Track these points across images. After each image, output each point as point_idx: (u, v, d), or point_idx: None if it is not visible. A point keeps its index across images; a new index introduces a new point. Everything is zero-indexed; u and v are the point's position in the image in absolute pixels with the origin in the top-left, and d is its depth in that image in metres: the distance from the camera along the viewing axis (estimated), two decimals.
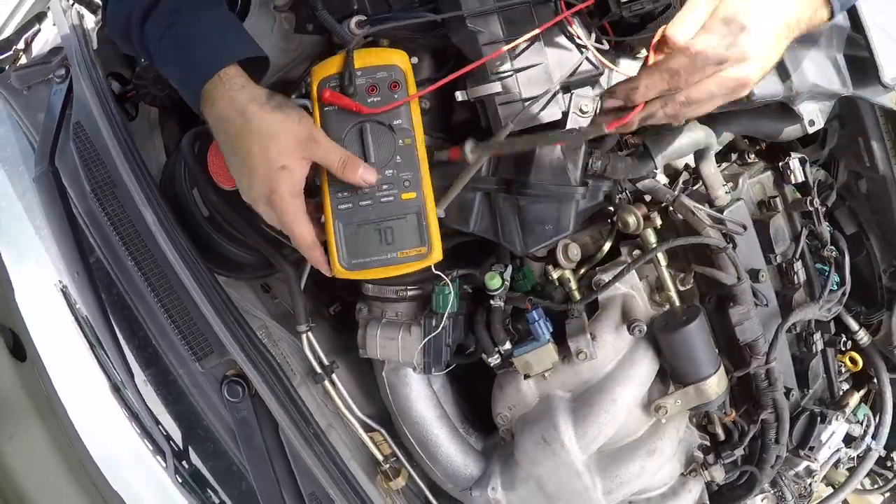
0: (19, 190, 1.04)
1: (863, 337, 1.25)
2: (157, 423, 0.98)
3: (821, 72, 0.99)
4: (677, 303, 1.03)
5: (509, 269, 0.96)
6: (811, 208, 1.09)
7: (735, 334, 1.02)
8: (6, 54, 1.18)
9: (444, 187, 0.90)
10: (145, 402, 0.96)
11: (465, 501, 1.06)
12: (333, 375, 1.06)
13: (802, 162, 1.09)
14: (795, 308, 1.09)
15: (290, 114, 0.80)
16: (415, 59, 0.96)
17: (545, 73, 0.91)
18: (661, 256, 1.01)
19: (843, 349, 1.22)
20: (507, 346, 0.96)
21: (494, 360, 0.97)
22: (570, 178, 0.87)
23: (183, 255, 0.95)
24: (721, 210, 1.02)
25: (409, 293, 0.98)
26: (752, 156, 1.14)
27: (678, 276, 1.04)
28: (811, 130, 1.01)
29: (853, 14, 0.99)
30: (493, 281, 0.94)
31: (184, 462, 1.01)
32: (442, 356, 0.96)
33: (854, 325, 1.25)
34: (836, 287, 1.14)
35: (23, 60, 1.18)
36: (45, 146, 1.00)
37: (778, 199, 1.09)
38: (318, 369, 1.04)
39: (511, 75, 0.91)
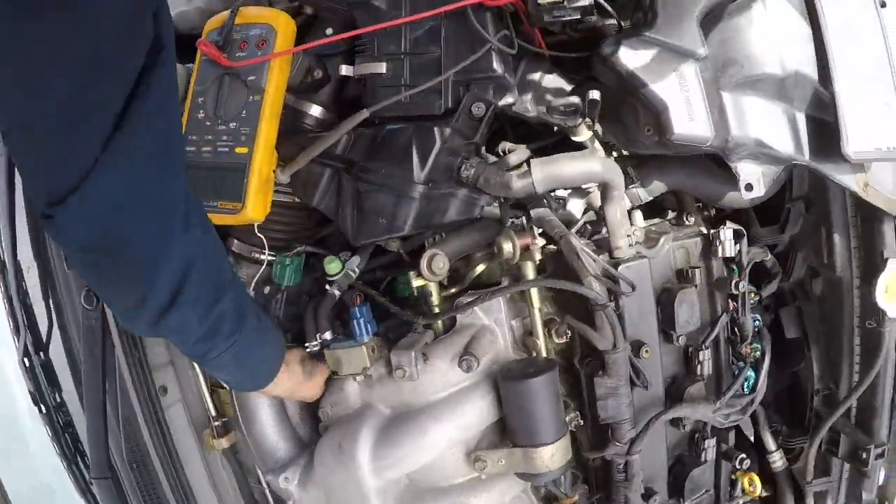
0: None
1: (777, 461, 1.08)
2: (29, 307, 1.02)
3: (769, 126, 0.86)
4: (542, 353, 0.93)
5: (356, 259, 0.90)
6: (737, 291, 0.95)
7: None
8: None
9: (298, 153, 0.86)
10: (22, 285, 1.00)
11: (266, 482, 1.02)
12: None
13: (739, 235, 0.95)
14: (685, 402, 0.94)
15: (319, 375, 0.97)
16: (329, 31, 0.93)
17: (437, 64, 0.85)
18: (535, 296, 0.92)
19: (740, 467, 1.04)
20: (328, 335, 0.90)
21: (313, 347, 0.91)
22: (413, 172, 0.80)
23: None
24: (618, 264, 0.90)
25: (263, 258, 0.94)
26: (692, 218, 1.01)
27: (556, 325, 0.94)
28: (747, 196, 0.88)
29: (824, 65, 0.85)
30: (332, 265, 0.89)
31: (41, 352, 1.03)
32: None
33: (771, 444, 1.08)
34: (746, 391, 0.98)
35: None
36: None
37: (699, 272, 0.95)
38: None
39: (401, 58, 0.85)
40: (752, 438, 1.14)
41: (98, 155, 0.57)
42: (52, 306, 1.04)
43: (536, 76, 0.95)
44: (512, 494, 0.96)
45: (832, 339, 1.01)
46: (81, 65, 0.54)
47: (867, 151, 0.83)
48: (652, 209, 1.04)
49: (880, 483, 1.06)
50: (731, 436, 1.06)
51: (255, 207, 0.81)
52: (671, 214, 1.04)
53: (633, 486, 0.95)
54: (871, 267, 0.94)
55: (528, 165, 0.86)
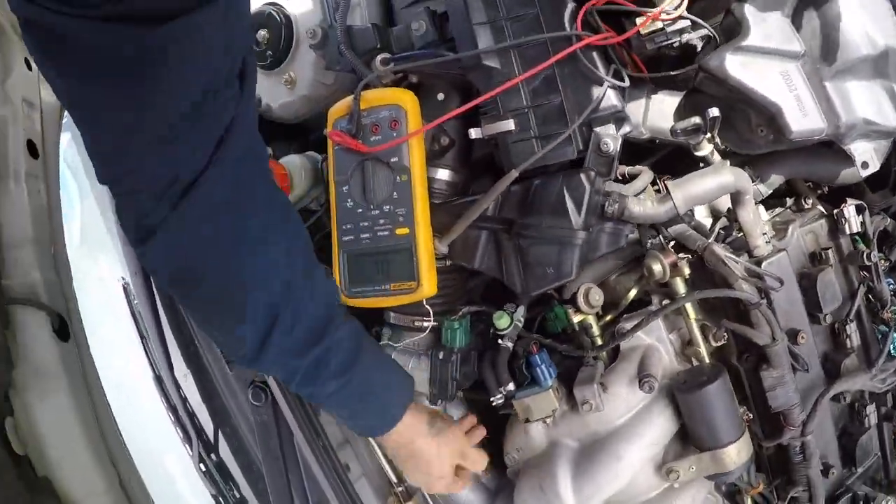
0: (100, 194, 1.21)
1: None
2: (192, 415, 1.12)
3: (873, 105, 0.99)
4: (706, 359, 1.05)
5: (521, 309, 1.02)
6: (869, 263, 1.07)
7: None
8: None
9: (452, 222, 0.97)
10: (182, 394, 1.11)
11: None
12: None
13: (860, 209, 1.08)
14: (843, 376, 1.06)
15: (446, 441, 1.01)
16: (441, 96, 1.05)
17: (561, 110, 0.96)
18: (690, 308, 1.04)
19: None
20: (511, 387, 1.01)
21: (498, 401, 1.03)
22: (571, 220, 0.91)
23: None
24: (759, 261, 1.02)
25: (425, 324, 1.05)
26: (810, 201, 1.13)
27: (711, 330, 1.05)
28: (864, 173, 1.01)
29: None
30: (501, 321, 1.01)
31: (212, 454, 1.14)
32: (448, 389, 1.04)
33: None
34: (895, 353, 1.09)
35: None
36: None
37: (831, 251, 1.08)
38: None
39: (525, 112, 0.96)
40: None
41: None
42: (214, 409, 1.15)
43: (642, 99, 1.06)
44: (701, 497, 1.08)
45: None
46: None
47: None
48: (768, 199, 1.14)
49: None
50: (889, 398, 1.17)
51: (430, 283, 0.93)
52: (790, 201, 1.14)
53: (812, 464, 1.07)
54: None
55: (666, 189, 0.96)
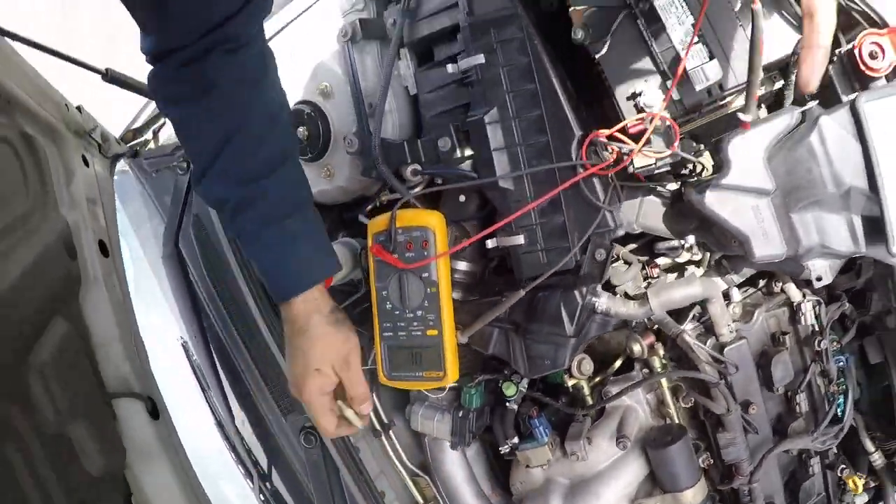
0: (152, 259, 1.50)
1: (877, 459, 1.50)
2: (249, 452, 1.46)
3: (831, 234, 1.21)
4: (676, 419, 1.34)
5: (525, 381, 1.31)
6: (819, 348, 1.32)
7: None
8: (140, 140, 1.64)
9: (472, 319, 1.26)
10: (241, 437, 1.44)
11: None
12: (390, 432, 1.48)
13: (816, 304, 1.32)
14: (790, 437, 1.36)
15: (341, 330, 1.14)
16: (462, 198, 1.31)
17: (564, 228, 1.21)
18: (664, 380, 1.31)
19: (841, 475, 1.45)
20: (516, 440, 1.33)
21: (505, 450, 1.35)
22: (566, 329, 1.19)
23: (274, 334, 1.38)
24: (723, 346, 1.29)
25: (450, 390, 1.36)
26: (779, 286, 1.37)
27: (682, 392, 1.34)
28: (818, 286, 1.26)
29: (871, 175, 1.16)
30: (509, 390, 1.33)
31: (267, 483, 1.49)
32: (466, 438, 1.38)
33: (870, 446, 1.49)
34: (841, 413, 1.37)
35: (151, 146, 1.63)
36: (171, 229, 1.47)
37: (789, 336, 1.34)
38: (378, 427, 1.47)
39: (533, 228, 1.22)
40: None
41: None
42: (269, 449, 1.48)
43: (637, 200, 1.30)
44: None
45: None
46: None
47: None
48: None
49: None
50: (831, 452, 1.46)
51: (454, 372, 1.23)
52: (762, 283, 1.39)
53: None
54: None
55: (647, 296, 1.23)
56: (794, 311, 1.37)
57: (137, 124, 1.64)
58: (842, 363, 1.41)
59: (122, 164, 1.58)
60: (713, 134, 1.29)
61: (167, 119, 1.19)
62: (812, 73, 1.08)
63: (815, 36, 1.07)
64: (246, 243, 1.15)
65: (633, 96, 1.22)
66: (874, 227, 1.19)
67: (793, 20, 1.26)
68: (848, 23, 1.26)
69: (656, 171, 1.24)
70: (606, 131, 1.19)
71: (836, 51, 1.23)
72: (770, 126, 1.19)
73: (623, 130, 1.19)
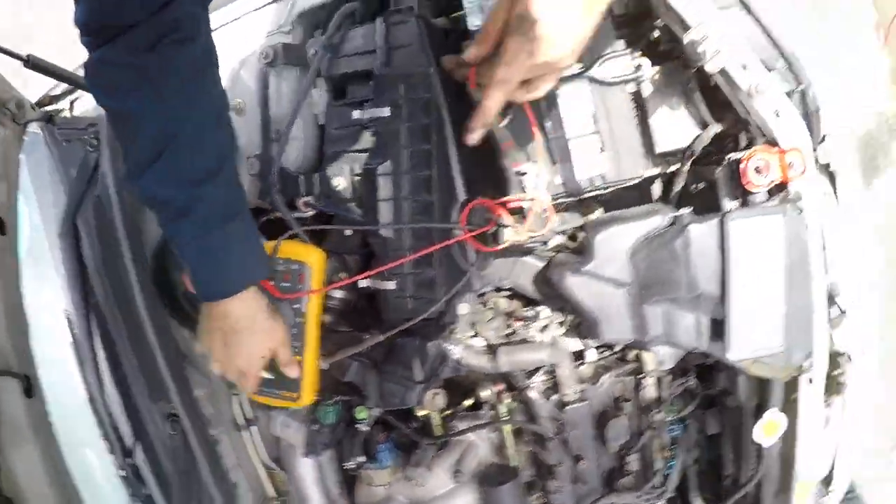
0: (49, 231, 1.57)
1: None
2: (116, 429, 1.58)
3: (678, 328, 1.36)
4: (513, 461, 1.50)
5: (377, 409, 1.45)
6: (653, 419, 1.49)
7: None
8: (56, 106, 1.68)
9: (336, 347, 1.38)
10: (110, 414, 1.55)
11: None
12: (252, 427, 1.61)
13: (658, 380, 1.47)
14: (616, 491, 1.54)
15: (278, 321, 1.29)
16: (348, 232, 1.41)
17: (433, 282, 1.33)
18: (507, 428, 1.47)
19: None
20: (362, 459, 1.48)
21: (350, 466, 1.50)
22: (415, 374, 1.32)
23: (155, 323, 1.48)
24: (565, 404, 1.45)
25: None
26: (633, 353, 1.52)
27: (524, 436, 1.50)
28: (660, 369, 1.39)
29: (723, 289, 1.30)
30: (361, 413, 1.47)
31: (128, 459, 1.61)
32: (317, 450, 1.51)
33: None
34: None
35: (66, 114, 1.68)
36: (71, 206, 1.54)
37: (630, 403, 1.50)
38: (241, 421, 1.60)
39: (405, 276, 1.33)
40: None
41: None
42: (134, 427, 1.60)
43: (512, 260, 1.42)
44: None
45: (737, 442, 1.56)
46: None
47: (746, 356, 1.32)
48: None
49: None
50: None
51: (308, 396, 1.36)
52: (618, 347, 1.54)
53: None
54: (762, 407, 1.45)
55: (495, 353, 1.37)
56: (638, 382, 1.53)
57: (57, 91, 1.68)
58: (676, 432, 1.59)
59: (34, 127, 1.62)
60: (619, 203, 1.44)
61: (104, 109, 1.16)
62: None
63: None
64: (184, 245, 1.17)
65: (519, 174, 1.33)
66: (717, 330, 1.34)
67: (694, 116, 1.39)
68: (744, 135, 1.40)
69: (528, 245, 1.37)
70: (488, 201, 1.31)
71: (727, 157, 1.36)
72: (640, 225, 1.33)
73: (504, 204, 1.31)
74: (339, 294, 1.45)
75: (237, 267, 1.20)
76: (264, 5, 1.52)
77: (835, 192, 1.62)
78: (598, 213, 1.46)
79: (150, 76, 1.03)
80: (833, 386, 1.65)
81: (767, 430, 1.47)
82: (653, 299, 1.33)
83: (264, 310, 1.25)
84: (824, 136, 1.49)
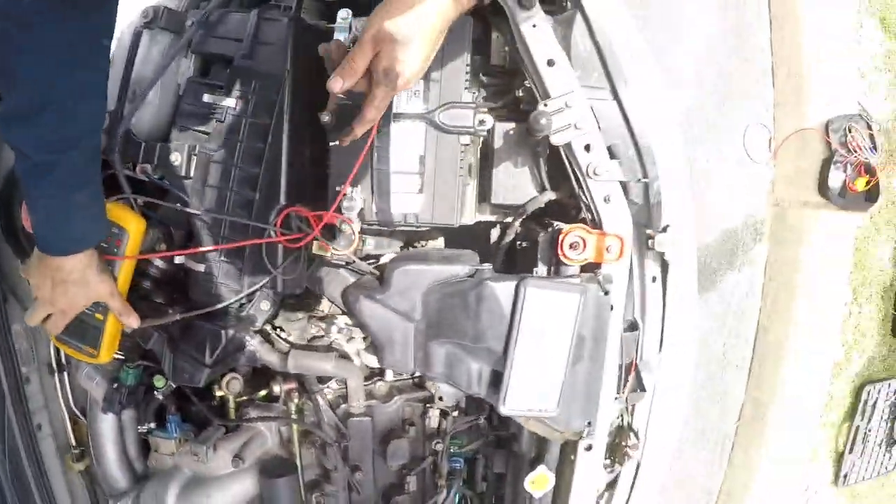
0: None
1: None
2: None
3: (460, 372, 1.44)
4: (295, 457, 1.60)
5: None
6: (434, 448, 1.60)
7: None
8: None
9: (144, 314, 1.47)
10: None
11: None
12: (64, 373, 1.70)
13: (444, 414, 1.58)
14: None
15: (105, 277, 1.37)
16: (178, 206, 1.48)
17: (240, 272, 1.42)
18: (295, 427, 1.57)
19: None
20: (153, 425, 1.58)
21: (142, 430, 1.60)
22: (205, 357, 1.42)
23: None
24: (349, 416, 1.54)
25: (117, 356, 1.58)
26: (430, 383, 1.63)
27: (309, 437, 1.60)
28: (439, 405, 1.50)
29: (506, 350, 1.39)
30: (158, 382, 1.56)
31: None
32: (115, 408, 1.60)
33: None
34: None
35: None
36: None
37: (413, 429, 1.59)
38: (55, 366, 1.69)
39: (216, 262, 1.42)
40: None
41: None
42: None
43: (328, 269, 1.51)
44: None
45: (515, 487, 1.68)
46: None
47: (518, 411, 1.41)
48: None
49: None
50: None
51: (106, 355, 1.46)
52: (417, 374, 1.64)
53: None
54: (538, 461, 1.55)
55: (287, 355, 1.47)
56: (425, 410, 1.63)
57: None
58: (458, 465, 1.70)
59: None
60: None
61: None
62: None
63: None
64: (33, 199, 1.25)
65: (340, 192, 1.41)
66: (496, 381, 1.42)
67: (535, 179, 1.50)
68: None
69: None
70: (305, 211, 1.39)
71: (554, 225, 1.45)
72: (441, 269, 1.42)
73: (320, 217, 1.40)
74: (160, 264, 1.54)
75: (78, 231, 1.30)
76: None
77: (663, 280, 1.73)
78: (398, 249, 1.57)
79: (37, 39, 1.06)
80: (619, 455, 1.78)
81: (536, 483, 1.57)
82: (439, 339, 1.42)
83: (95, 266, 1.35)
84: (666, 227, 1.61)
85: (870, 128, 2.93)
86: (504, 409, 1.40)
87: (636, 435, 1.77)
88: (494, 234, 1.62)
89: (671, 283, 1.74)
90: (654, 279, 1.74)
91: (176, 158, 1.46)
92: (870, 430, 3.54)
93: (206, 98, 1.46)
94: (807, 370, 3.05)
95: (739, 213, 3.05)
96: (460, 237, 1.62)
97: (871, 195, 2.98)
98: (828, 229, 3.06)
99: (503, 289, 1.37)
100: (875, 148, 2.91)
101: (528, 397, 1.42)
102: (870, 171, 2.93)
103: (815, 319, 3.04)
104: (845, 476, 3.56)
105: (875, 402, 3.52)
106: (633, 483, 1.89)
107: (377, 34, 1.12)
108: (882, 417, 3.57)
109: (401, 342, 1.43)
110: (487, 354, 1.41)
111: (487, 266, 1.43)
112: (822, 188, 2.96)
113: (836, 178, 2.96)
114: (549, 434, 1.52)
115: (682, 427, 2.93)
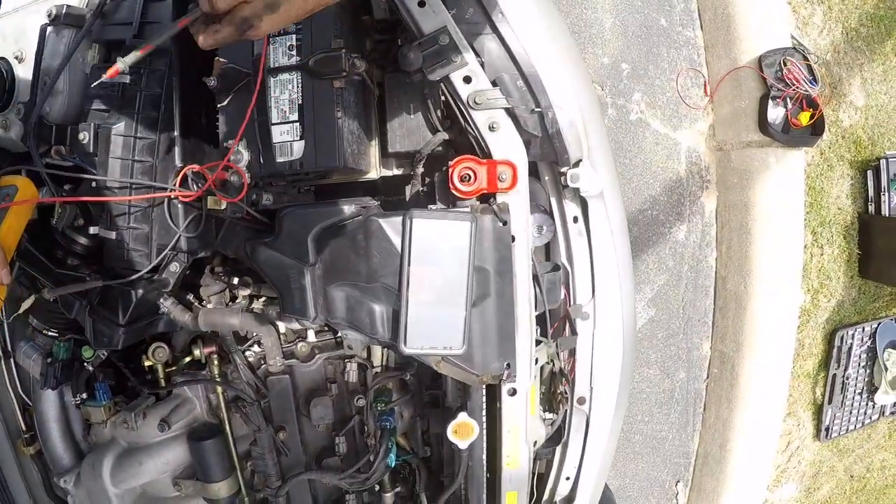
0: None
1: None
2: None
3: (361, 315, 1.59)
4: (226, 423, 1.78)
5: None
6: (357, 404, 1.75)
7: None
8: None
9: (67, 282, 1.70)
10: None
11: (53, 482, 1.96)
12: (11, 360, 1.94)
13: (362, 368, 1.73)
14: (321, 469, 1.79)
15: None
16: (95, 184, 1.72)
17: (148, 237, 1.64)
18: (219, 389, 1.75)
19: None
20: (84, 396, 1.79)
21: (75, 402, 1.81)
22: (119, 317, 1.62)
23: None
24: (268, 375, 1.72)
25: (49, 333, 1.81)
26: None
27: (241, 402, 1.78)
28: (349, 353, 1.66)
29: (401, 281, 1.54)
30: (87, 352, 1.76)
31: None
32: (50, 382, 1.81)
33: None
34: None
35: None
36: None
37: (335, 386, 1.75)
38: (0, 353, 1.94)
39: (125, 230, 1.64)
40: None
41: None
42: None
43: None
44: None
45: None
46: None
47: (419, 350, 1.54)
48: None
49: None
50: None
51: None
52: (339, 333, 1.81)
53: None
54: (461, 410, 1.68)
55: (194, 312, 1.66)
56: (344, 366, 1.79)
57: None
58: (388, 424, 1.82)
59: None
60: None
61: None
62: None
63: None
64: None
65: (228, 148, 1.62)
66: (398, 322, 1.58)
67: (428, 123, 1.66)
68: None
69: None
70: (196, 167, 1.60)
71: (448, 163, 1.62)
72: (328, 210, 1.59)
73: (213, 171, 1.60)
74: (83, 241, 1.77)
75: None
76: None
77: (585, 220, 1.85)
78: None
79: None
80: (555, 403, 1.88)
81: (459, 432, 1.68)
82: (336, 283, 1.59)
83: None
84: (578, 161, 1.74)
85: (807, 59, 2.95)
86: (406, 349, 1.52)
87: (569, 381, 1.88)
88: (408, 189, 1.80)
89: (594, 221, 1.86)
90: (575, 219, 1.87)
91: (84, 137, 1.69)
92: (848, 379, 3.52)
93: (103, 77, 1.70)
94: (772, 319, 3.03)
95: (681, 162, 3.11)
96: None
97: (817, 129, 2.99)
98: (775, 168, 3.09)
99: (391, 224, 1.52)
100: (815, 80, 2.93)
101: (430, 335, 1.55)
102: (812, 104, 2.94)
103: (774, 265, 3.02)
104: (827, 429, 3.55)
105: (850, 348, 3.52)
106: (585, 440, 1.99)
107: None
108: (860, 364, 3.53)
109: (298, 288, 1.60)
110: (385, 294, 1.56)
111: (374, 202, 1.60)
112: (763, 126, 3.00)
113: (775, 114, 3.01)
114: (467, 378, 1.63)
115: (650, 389, 2.99)
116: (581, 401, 1.97)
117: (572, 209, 1.84)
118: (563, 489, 2.07)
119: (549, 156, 1.70)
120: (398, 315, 1.53)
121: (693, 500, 3.44)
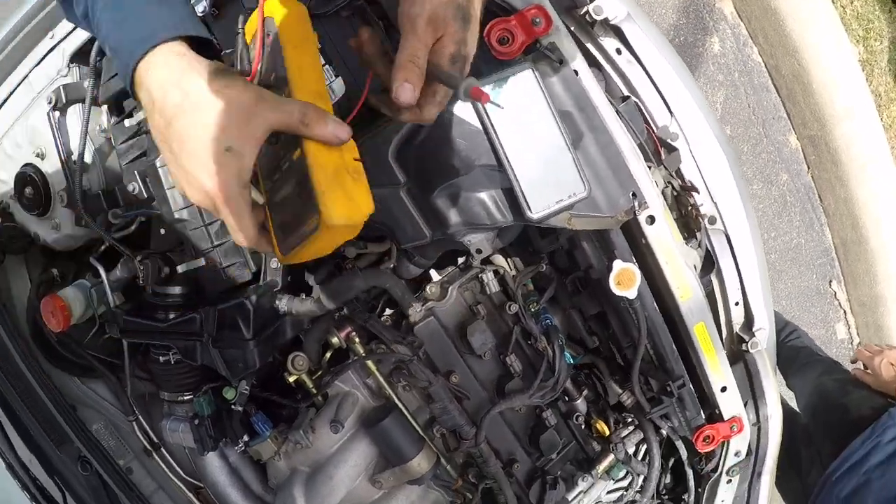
0: None
1: (626, 399, 1.91)
2: (43, 490, 2.00)
3: (474, 210, 1.62)
4: (394, 398, 1.81)
5: (243, 382, 1.81)
6: (511, 312, 1.78)
7: None
8: None
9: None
10: (33, 476, 1.98)
11: None
12: (162, 449, 2.00)
13: (497, 274, 1.77)
14: (507, 397, 1.81)
15: (235, 86, 0.95)
16: (162, 231, 1.80)
17: (236, 246, 1.71)
18: (372, 365, 1.79)
19: (577, 421, 1.90)
20: (246, 438, 1.83)
21: (240, 449, 1.85)
22: (243, 333, 1.68)
23: (35, 372, 1.92)
24: (413, 325, 1.76)
25: (185, 398, 1.87)
26: (477, 259, 1.82)
27: (399, 374, 1.82)
28: (478, 257, 1.69)
29: (496, 154, 1.58)
30: (228, 394, 1.81)
31: None
32: (207, 444, 1.86)
33: (617, 388, 1.92)
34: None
35: None
36: None
37: (481, 306, 1.79)
38: (149, 447, 2.00)
39: (214, 252, 1.72)
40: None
41: None
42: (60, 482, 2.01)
43: None
44: (416, 494, 1.87)
45: (616, 310, 1.80)
46: None
47: (546, 210, 1.55)
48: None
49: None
50: (562, 403, 1.91)
51: (341, 203, 1.11)
52: (461, 260, 1.84)
53: (490, 463, 1.84)
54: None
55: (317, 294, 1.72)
56: (481, 283, 1.82)
57: None
58: (548, 321, 1.84)
59: None
60: None
61: None
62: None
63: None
64: (100, 23, 1.05)
65: None
66: (512, 198, 1.61)
67: None
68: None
69: None
70: None
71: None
72: (394, 127, 1.65)
73: None
74: (177, 291, 1.84)
75: (150, 19, 1.02)
76: (40, 61, 1.99)
77: (627, 46, 1.91)
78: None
79: None
80: (694, 221, 1.90)
81: (622, 282, 1.70)
82: (436, 191, 1.64)
83: (203, 72, 0.98)
84: None
85: None
86: (534, 215, 1.51)
87: (695, 189, 1.90)
88: None
89: (636, 44, 1.92)
90: (618, 51, 1.93)
91: (133, 188, 1.78)
92: None
93: (128, 123, 1.79)
94: (836, 73, 3.00)
95: None
96: None
97: None
98: None
99: (458, 109, 1.56)
100: None
101: (549, 192, 1.54)
102: None
103: (815, 26, 3.01)
104: None
105: None
106: (735, 259, 2.00)
107: (434, 15, 1.06)
108: None
109: (403, 214, 1.64)
110: (487, 177, 1.58)
111: None
112: None
113: None
114: (602, 223, 1.63)
115: (762, 204, 2.98)
116: (712, 220, 1.99)
117: (611, 43, 1.90)
118: (738, 316, 2.07)
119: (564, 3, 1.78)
120: (511, 189, 1.56)
121: (852, 291, 3.39)
